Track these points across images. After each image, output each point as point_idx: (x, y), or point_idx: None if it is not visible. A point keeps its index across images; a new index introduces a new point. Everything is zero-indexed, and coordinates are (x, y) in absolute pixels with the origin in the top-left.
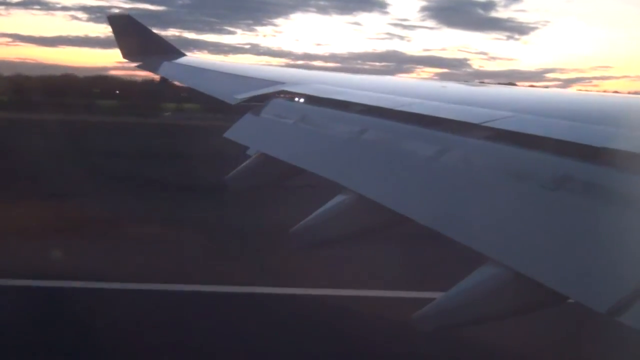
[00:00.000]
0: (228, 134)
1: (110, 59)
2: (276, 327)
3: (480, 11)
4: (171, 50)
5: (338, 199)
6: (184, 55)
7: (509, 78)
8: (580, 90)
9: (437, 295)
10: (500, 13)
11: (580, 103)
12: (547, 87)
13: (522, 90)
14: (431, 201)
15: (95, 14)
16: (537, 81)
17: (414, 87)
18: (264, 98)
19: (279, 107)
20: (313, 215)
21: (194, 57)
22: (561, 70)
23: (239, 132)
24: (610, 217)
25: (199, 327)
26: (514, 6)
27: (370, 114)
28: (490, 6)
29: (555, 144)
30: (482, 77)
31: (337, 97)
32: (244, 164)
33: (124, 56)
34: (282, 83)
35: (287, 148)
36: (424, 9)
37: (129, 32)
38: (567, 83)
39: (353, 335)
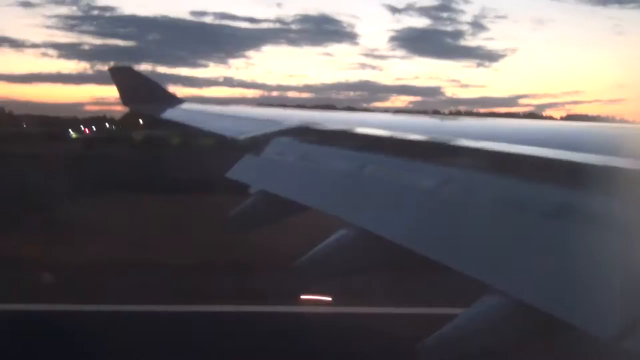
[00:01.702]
0: (230, 174)
1: (84, 94)
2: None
3: (449, 40)
4: (170, 98)
5: (341, 232)
6: (182, 102)
7: (483, 105)
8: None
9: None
10: (469, 41)
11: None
12: (520, 113)
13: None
14: (433, 233)
15: (66, 50)
16: (511, 107)
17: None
18: (267, 137)
19: (280, 145)
20: (318, 247)
21: (192, 105)
22: (533, 96)
23: (240, 171)
24: (611, 243)
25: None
26: (482, 34)
27: (371, 149)
28: (458, 35)
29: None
30: (456, 104)
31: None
32: (246, 202)
33: (125, 105)
34: (282, 122)
35: (290, 185)
36: (393, 38)
37: (130, 82)
38: (540, 108)
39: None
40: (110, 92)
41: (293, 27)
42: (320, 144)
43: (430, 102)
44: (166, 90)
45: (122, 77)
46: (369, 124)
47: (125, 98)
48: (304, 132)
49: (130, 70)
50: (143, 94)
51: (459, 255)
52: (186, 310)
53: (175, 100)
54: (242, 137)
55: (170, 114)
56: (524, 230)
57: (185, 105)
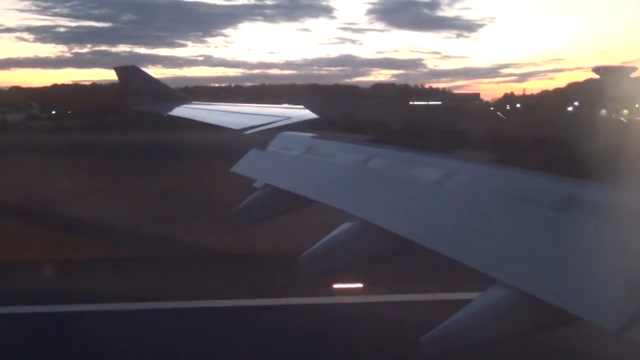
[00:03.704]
0: (235, 169)
1: (64, 78)
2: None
3: (426, 11)
4: (177, 96)
5: (344, 226)
6: (186, 100)
7: (465, 76)
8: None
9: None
10: (446, 12)
11: None
12: (503, 82)
13: None
14: (438, 226)
15: (42, 34)
16: (493, 77)
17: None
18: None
19: (284, 140)
20: (320, 242)
21: (198, 104)
22: (515, 65)
23: (245, 166)
24: (615, 234)
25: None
26: (458, 4)
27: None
28: (434, 5)
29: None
30: (439, 76)
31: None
32: (252, 196)
33: (130, 105)
34: (288, 117)
35: (295, 179)
36: (370, 11)
37: (136, 81)
38: (523, 77)
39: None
40: (91, 75)
41: (268, 2)
42: (325, 138)
43: (413, 75)
44: (171, 89)
45: (127, 76)
46: None
47: (129, 98)
48: (309, 127)
49: (135, 69)
50: (148, 93)
51: (464, 248)
52: (188, 306)
53: (180, 99)
54: (247, 132)
55: (176, 113)
56: (528, 223)
57: (189, 104)
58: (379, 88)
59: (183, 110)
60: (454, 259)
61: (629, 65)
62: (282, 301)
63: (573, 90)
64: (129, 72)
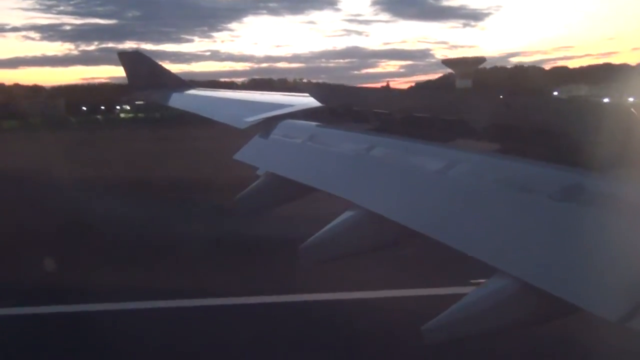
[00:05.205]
0: (237, 156)
1: (73, 76)
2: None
3: (431, 0)
4: (179, 83)
5: (346, 214)
6: (191, 87)
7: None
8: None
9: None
10: (451, 1)
11: None
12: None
13: None
14: (440, 215)
15: (48, 32)
16: (504, 66)
17: None
18: (273, 120)
19: (288, 128)
20: (322, 231)
21: (200, 91)
22: (524, 54)
23: (248, 153)
24: (617, 225)
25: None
26: None
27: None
28: None
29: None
30: (447, 65)
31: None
32: (254, 184)
33: (133, 90)
34: (292, 105)
35: (297, 167)
36: (375, 2)
37: (139, 68)
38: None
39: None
40: (100, 72)
41: None
42: (328, 126)
43: (421, 66)
44: (175, 75)
45: (130, 62)
46: None
47: (132, 84)
48: (312, 115)
49: (138, 55)
50: (150, 79)
51: (466, 238)
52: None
53: (182, 86)
54: (249, 120)
55: (174, 100)
56: (530, 212)
57: (191, 91)
58: (256, 83)
59: (183, 98)
60: (455, 248)
61: (478, 56)
62: (282, 298)
63: (442, 81)
64: (132, 57)
